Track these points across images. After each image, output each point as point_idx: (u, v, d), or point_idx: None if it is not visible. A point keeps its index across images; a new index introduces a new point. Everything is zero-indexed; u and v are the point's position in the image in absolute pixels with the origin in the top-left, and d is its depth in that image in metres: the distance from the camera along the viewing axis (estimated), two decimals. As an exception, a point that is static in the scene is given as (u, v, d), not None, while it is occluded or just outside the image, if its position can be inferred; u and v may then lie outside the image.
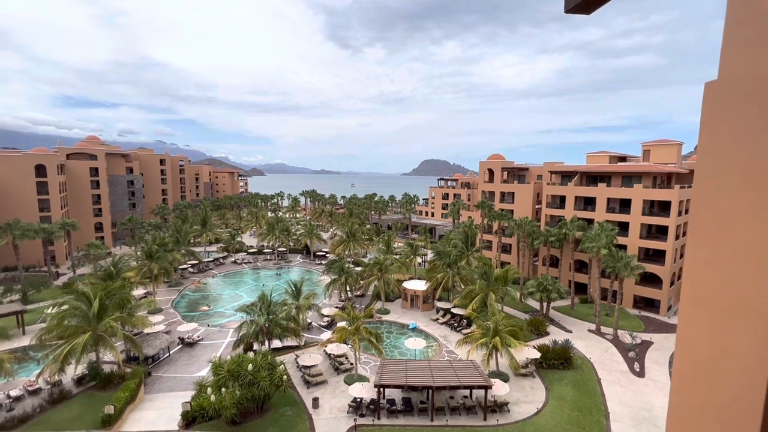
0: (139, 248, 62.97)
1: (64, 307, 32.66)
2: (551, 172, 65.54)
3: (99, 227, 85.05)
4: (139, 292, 50.08)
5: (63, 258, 72.00)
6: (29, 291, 52.42)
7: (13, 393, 29.40)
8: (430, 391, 29.30)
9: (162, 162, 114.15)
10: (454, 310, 46.74)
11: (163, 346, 37.40)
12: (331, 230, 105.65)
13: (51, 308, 38.46)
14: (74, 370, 30.29)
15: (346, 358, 36.60)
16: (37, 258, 66.77)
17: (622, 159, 66.33)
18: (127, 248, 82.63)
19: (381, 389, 29.11)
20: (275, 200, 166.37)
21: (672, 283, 50.64)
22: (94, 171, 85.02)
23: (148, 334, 38.35)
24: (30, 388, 30.21)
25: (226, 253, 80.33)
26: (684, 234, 52.52)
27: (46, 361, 28.69)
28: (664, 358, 38.54)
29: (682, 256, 53.36)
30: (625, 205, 54.09)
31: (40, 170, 70.41)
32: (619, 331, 43.29)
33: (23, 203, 68.01)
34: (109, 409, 26.52)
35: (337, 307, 48.39)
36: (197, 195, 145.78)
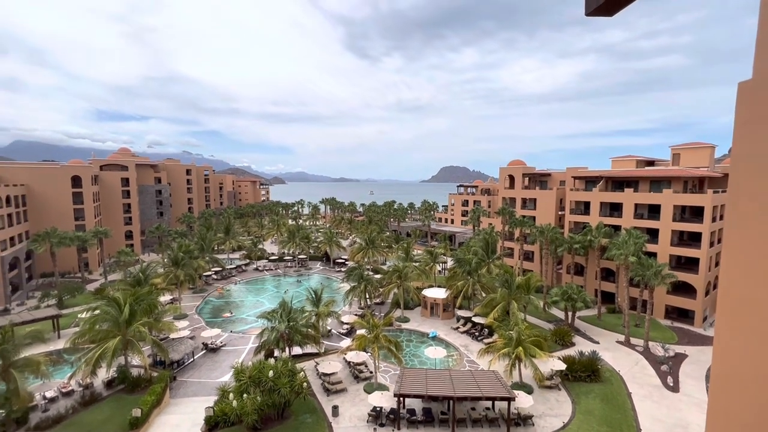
0: (165, 255, 65.16)
1: (96, 312, 34.03)
2: (574, 178, 63.92)
3: (129, 235, 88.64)
4: (165, 298, 51.65)
5: (96, 265, 75.25)
6: (65, 296, 54.95)
7: (49, 394, 30.75)
8: (451, 401, 28.69)
9: (188, 172, 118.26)
10: (475, 319, 45.88)
11: (188, 351, 38.31)
12: (351, 237, 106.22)
13: (84, 313, 40.16)
14: (105, 373, 31.41)
15: (366, 366, 36.43)
16: (72, 265, 70.09)
17: (650, 163, 64.03)
18: (155, 255, 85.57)
19: (401, 399, 28.77)
20: (296, 208, 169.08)
21: (707, 293, 48.09)
22: (125, 181, 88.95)
23: (173, 339, 39.42)
24: (64, 390, 31.51)
25: (248, 260, 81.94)
26: (719, 241, 49.90)
27: (78, 364, 29.90)
28: (700, 372, 36.47)
29: (717, 263, 50.70)
30: (653, 210, 51.98)
31: (76, 181, 74.22)
32: (650, 343, 41.32)
33: (60, 212, 71.73)
34: (137, 412, 27.30)
35: (356, 315, 48.37)
36: (221, 203, 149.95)
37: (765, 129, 1.69)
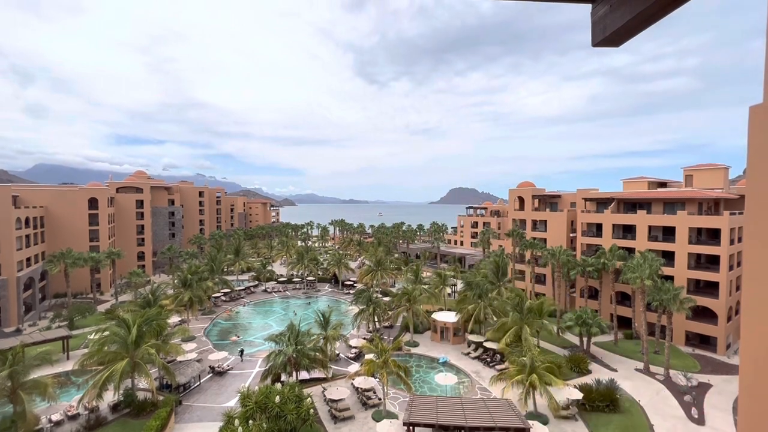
0: (175, 276, 65.66)
1: (106, 333, 34.08)
2: (585, 200, 63.33)
3: (141, 256, 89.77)
4: (174, 319, 51.61)
5: (107, 285, 76.04)
6: (75, 317, 55.32)
7: (54, 417, 30.44)
8: (463, 431, 27.58)
9: (201, 194, 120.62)
10: (487, 344, 44.63)
11: (195, 375, 37.85)
12: (360, 259, 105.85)
13: (94, 334, 40.26)
14: (112, 396, 31.10)
15: (374, 392, 35.44)
16: (85, 285, 70.91)
17: (662, 185, 63.26)
18: (166, 276, 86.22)
19: (411, 428, 27.76)
20: (305, 230, 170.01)
21: (729, 318, 46.21)
22: (140, 203, 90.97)
23: (180, 361, 39.07)
24: (69, 413, 31.19)
25: (257, 282, 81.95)
26: (739, 264, 48.39)
27: (86, 386, 29.72)
28: (727, 404, 34.57)
29: (738, 288, 48.93)
30: (668, 233, 50.91)
31: (93, 203, 76.17)
32: (672, 371, 39.52)
33: (75, 233, 73.27)
34: (141, 438, 26.78)
35: (364, 338, 47.53)
36: (232, 225, 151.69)
37: (779, 153, 1.68)
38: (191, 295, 53.69)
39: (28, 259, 61.71)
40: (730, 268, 46.00)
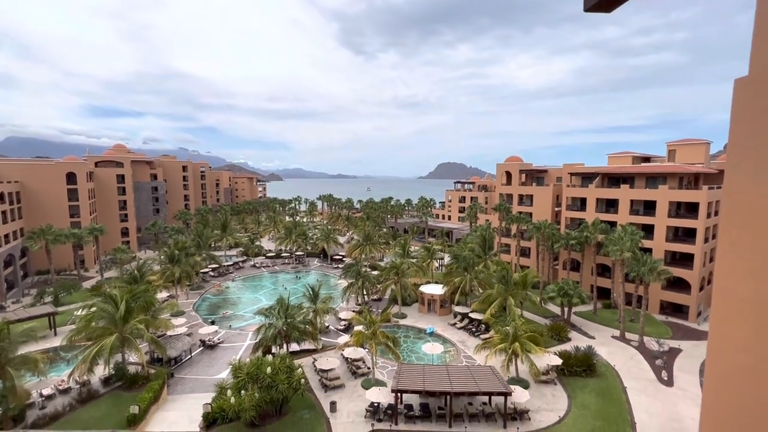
0: (162, 252, 64.99)
1: (93, 309, 33.90)
2: (571, 174, 64.10)
3: (125, 232, 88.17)
4: (162, 295, 51.51)
5: (92, 262, 74.89)
6: (61, 294, 54.67)
7: (46, 392, 30.66)
8: (448, 397, 28.90)
9: (184, 168, 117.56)
10: (472, 315, 46.12)
11: (185, 348, 38.29)
12: (348, 234, 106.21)
13: (80, 310, 39.99)
14: (103, 370, 31.34)
15: (364, 362, 36.57)
16: (68, 262, 69.68)
17: (646, 159, 64.28)
18: (152, 252, 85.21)
19: (398, 394, 28.93)
20: (293, 205, 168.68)
21: (701, 288, 48.54)
22: (121, 178, 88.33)
23: (170, 336, 39.38)
24: (61, 388, 31.42)
25: (245, 257, 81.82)
26: (714, 236, 50.32)
27: (75, 361, 29.82)
28: (694, 367, 36.90)
29: (712, 259, 51.08)
30: (649, 207, 52.29)
31: (71, 178, 73.61)
32: (645, 338, 41.73)
33: (55, 209, 71.16)
34: (134, 409, 27.30)
35: (354, 311, 48.48)
36: (218, 200, 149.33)
37: (760, 125, 1.70)
38: (180, 271, 53.41)
39: (6, 236, 59.96)
40: (706, 240, 47.84)
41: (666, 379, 34.94)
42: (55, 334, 42.71)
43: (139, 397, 28.93)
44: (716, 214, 50.07)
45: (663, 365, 37.01)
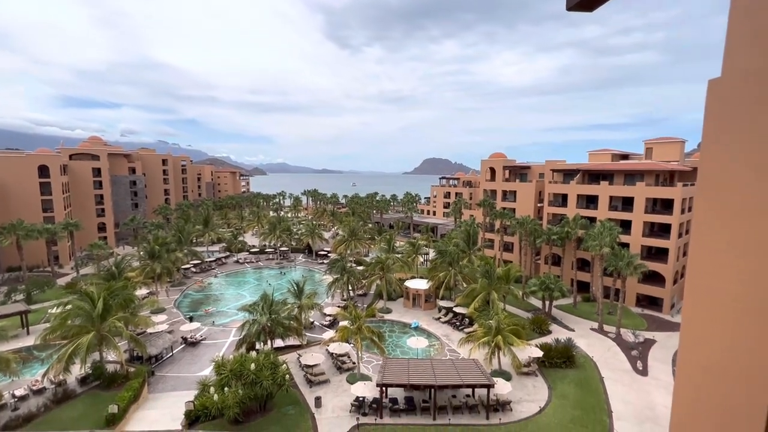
0: (141, 248, 63.26)
1: (68, 307, 32.80)
2: (553, 171, 65.33)
3: (102, 227, 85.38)
4: (142, 292, 50.27)
5: (66, 258, 72.33)
6: (33, 291, 52.67)
7: (18, 392, 29.57)
8: (433, 390, 29.29)
9: (164, 162, 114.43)
10: (456, 309, 46.71)
11: (166, 346, 37.54)
12: (333, 229, 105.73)
13: (55, 308, 38.61)
14: (79, 369, 30.45)
15: (349, 357, 36.64)
16: (41, 258, 67.10)
17: (625, 157, 66.03)
18: (130, 248, 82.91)
19: (383, 388, 29.14)
20: (277, 200, 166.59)
21: (675, 281, 50.45)
22: (97, 171, 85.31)
23: (151, 333, 38.51)
24: (35, 388, 30.38)
25: (228, 253, 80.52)
26: (687, 232, 52.25)
27: (50, 360, 28.87)
28: (668, 357, 38.42)
29: (685, 254, 53.09)
30: (627, 203, 53.86)
31: (43, 171, 70.69)
32: (622, 330, 43.17)
33: (26, 204, 68.33)
34: (113, 409, 26.65)
35: (339, 307, 48.43)
36: (199, 195, 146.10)
37: (732, 125, 1.77)
38: (161, 267, 52.16)
39: (-26, 231, 57.32)
40: (680, 235, 49.66)
41: (641, 369, 36.29)
42: (28, 333, 41.19)
43: (119, 396, 28.24)
44: (690, 210, 51.96)
45: (638, 356, 38.40)
